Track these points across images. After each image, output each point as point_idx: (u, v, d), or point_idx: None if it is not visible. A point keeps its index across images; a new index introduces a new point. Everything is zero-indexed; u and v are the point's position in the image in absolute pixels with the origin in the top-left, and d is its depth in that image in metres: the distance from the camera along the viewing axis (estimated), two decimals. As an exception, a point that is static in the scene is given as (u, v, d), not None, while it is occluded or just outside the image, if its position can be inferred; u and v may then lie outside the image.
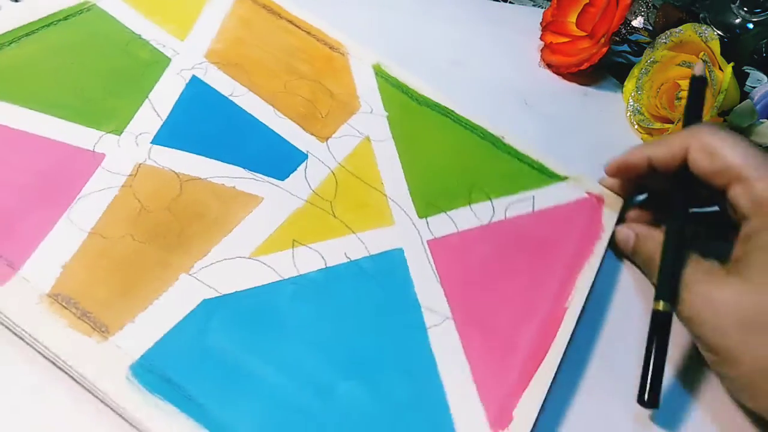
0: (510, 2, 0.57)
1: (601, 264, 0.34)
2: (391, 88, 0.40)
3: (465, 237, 0.33)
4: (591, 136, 0.42)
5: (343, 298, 0.28)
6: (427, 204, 0.34)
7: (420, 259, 0.31)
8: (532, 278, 0.32)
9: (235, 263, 0.28)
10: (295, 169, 0.33)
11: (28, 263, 0.25)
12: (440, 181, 0.35)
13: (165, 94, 0.34)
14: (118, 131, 0.31)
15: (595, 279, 0.33)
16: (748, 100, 0.41)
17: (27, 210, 0.27)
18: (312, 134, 0.35)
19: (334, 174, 0.34)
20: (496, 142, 0.39)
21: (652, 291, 0.34)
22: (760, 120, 0.41)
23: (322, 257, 0.30)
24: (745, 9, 0.48)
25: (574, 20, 0.49)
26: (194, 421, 0.23)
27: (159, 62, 0.35)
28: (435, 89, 0.41)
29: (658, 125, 0.45)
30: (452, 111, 0.40)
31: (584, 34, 0.48)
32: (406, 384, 0.26)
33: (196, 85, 0.35)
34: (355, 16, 0.44)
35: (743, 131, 0.41)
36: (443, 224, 0.33)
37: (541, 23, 0.51)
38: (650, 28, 0.50)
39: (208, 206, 0.30)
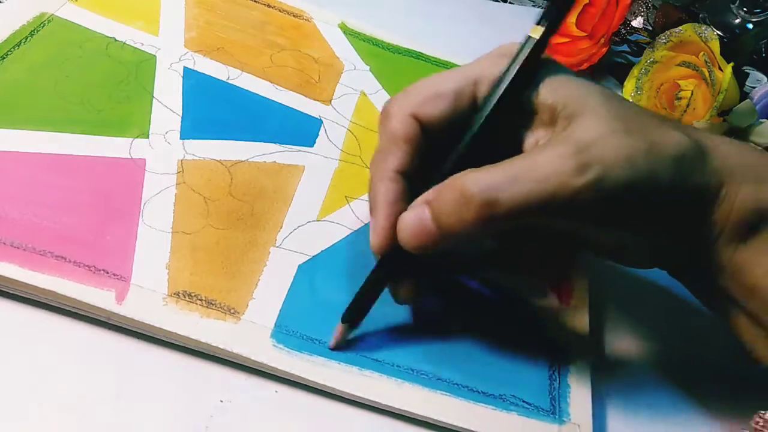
0: (510, 2, 0.57)
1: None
2: (362, 42, 0.42)
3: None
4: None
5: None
6: (437, 139, 0.37)
7: (451, 187, 0.35)
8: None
9: (309, 227, 0.30)
10: (318, 134, 0.35)
11: (134, 273, 0.26)
12: (437, 117, 0.39)
13: (168, 90, 0.34)
14: (144, 134, 0.31)
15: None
16: (747, 100, 0.40)
17: (103, 225, 0.27)
18: (315, 100, 0.37)
19: (350, 131, 0.36)
20: (467, 73, 0.43)
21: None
22: (760, 120, 0.40)
23: (376, 205, 0.32)
24: (745, 9, 0.49)
25: (573, 20, 0.48)
26: (345, 364, 0.26)
27: (146, 61, 0.35)
28: (399, 36, 0.44)
29: (657, 125, 0.46)
30: (422, 53, 0.43)
31: (584, 34, 0.48)
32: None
33: (191, 76, 0.35)
34: (355, 16, 0.44)
35: (743, 131, 0.41)
36: (456, 153, 0.37)
37: (540, 23, 0.51)
38: (650, 28, 0.50)
39: (262, 183, 0.31)
